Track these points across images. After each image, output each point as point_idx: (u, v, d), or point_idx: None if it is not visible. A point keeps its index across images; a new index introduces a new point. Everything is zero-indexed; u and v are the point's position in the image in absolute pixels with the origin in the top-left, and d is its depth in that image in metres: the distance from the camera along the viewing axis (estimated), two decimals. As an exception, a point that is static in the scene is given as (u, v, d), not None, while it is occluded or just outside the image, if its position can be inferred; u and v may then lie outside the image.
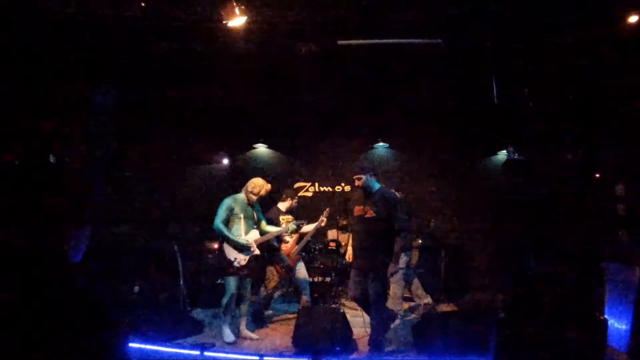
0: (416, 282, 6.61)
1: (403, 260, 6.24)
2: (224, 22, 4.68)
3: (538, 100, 4.64)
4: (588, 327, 3.98)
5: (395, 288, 6.29)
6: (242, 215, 5.52)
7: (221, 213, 5.44)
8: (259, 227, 5.76)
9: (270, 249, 6.13)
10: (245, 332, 5.69)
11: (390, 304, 6.38)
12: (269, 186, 5.73)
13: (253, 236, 5.59)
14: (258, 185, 5.64)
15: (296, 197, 6.66)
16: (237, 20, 4.88)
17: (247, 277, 5.55)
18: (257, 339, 5.63)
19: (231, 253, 5.43)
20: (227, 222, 5.47)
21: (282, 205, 6.49)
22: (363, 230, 5.05)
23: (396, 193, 5.45)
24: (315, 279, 7.51)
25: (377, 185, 5.17)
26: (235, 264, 5.40)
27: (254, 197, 5.63)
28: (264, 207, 6.12)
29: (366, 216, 4.99)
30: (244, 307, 5.66)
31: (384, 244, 4.94)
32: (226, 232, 5.41)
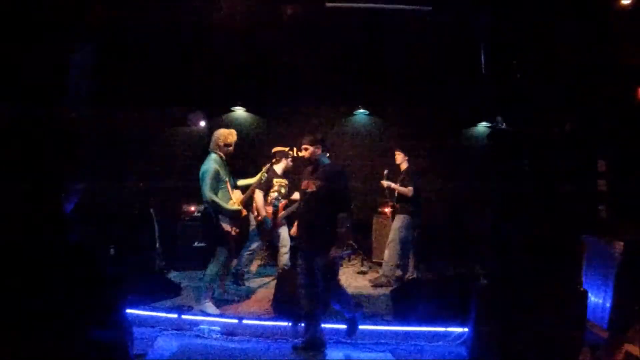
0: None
1: (400, 221, 6.31)
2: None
3: (527, 71, 4.60)
4: (568, 297, 4.06)
5: (389, 253, 6.35)
6: (226, 179, 5.16)
7: (210, 182, 4.95)
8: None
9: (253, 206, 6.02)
10: (229, 291, 5.74)
11: (384, 269, 6.43)
12: (234, 131, 5.28)
13: (237, 195, 5.32)
14: (224, 134, 5.16)
15: (290, 157, 6.44)
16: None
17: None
18: (239, 300, 5.61)
19: (226, 223, 5.10)
20: (216, 191, 5.03)
21: (278, 168, 6.28)
22: (306, 206, 4.58)
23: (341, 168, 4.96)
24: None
25: (325, 161, 4.66)
26: (233, 233, 5.15)
27: (230, 149, 5.19)
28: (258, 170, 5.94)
29: (308, 190, 4.54)
30: (226, 270, 5.58)
31: (326, 223, 4.38)
32: (221, 203, 5.02)
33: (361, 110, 8.79)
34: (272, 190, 6.21)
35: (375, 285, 6.40)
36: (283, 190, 6.26)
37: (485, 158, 5.93)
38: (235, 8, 5.79)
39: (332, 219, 4.36)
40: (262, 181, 5.79)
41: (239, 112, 8.90)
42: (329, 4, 5.46)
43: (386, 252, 6.48)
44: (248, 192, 5.55)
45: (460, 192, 7.47)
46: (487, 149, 5.60)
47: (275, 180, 6.21)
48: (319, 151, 4.55)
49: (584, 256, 4.95)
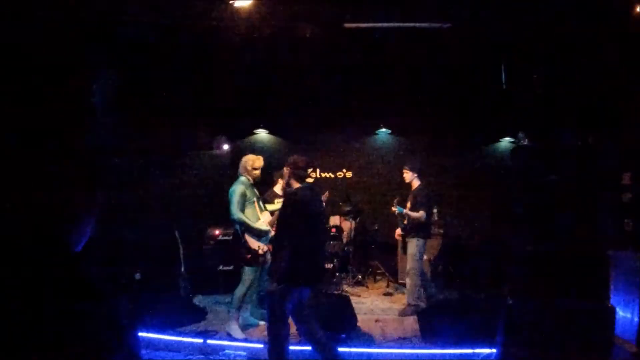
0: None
1: (414, 246, 6.01)
2: (230, 1, 4.52)
3: (547, 86, 4.54)
4: (595, 315, 3.93)
5: (410, 282, 6.08)
6: (254, 199, 5.33)
7: (236, 202, 5.13)
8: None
9: None
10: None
11: (407, 298, 6.20)
12: (261, 157, 5.52)
13: (266, 217, 5.42)
14: (252, 159, 5.41)
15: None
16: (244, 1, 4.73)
17: (265, 264, 5.44)
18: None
19: (254, 242, 5.20)
20: (243, 211, 5.18)
21: (277, 188, 6.35)
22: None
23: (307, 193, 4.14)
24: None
25: (296, 185, 4.13)
26: (260, 251, 5.21)
27: (257, 173, 5.40)
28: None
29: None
30: (253, 293, 5.56)
31: (278, 253, 3.98)
32: (249, 222, 5.15)
33: (383, 130, 8.78)
34: None
35: (404, 315, 5.99)
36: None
37: (509, 175, 5.84)
38: (255, 33, 5.88)
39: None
40: None
41: (262, 134, 9.00)
42: (347, 25, 5.50)
43: (407, 280, 6.16)
44: (275, 214, 5.58)
45: (484, 209, 7.35)
46: (510, 165, 5.51)
47: (276, 200, 6.20)
48: (288, 175, 4.16)
49: (611, 271, 4.79)
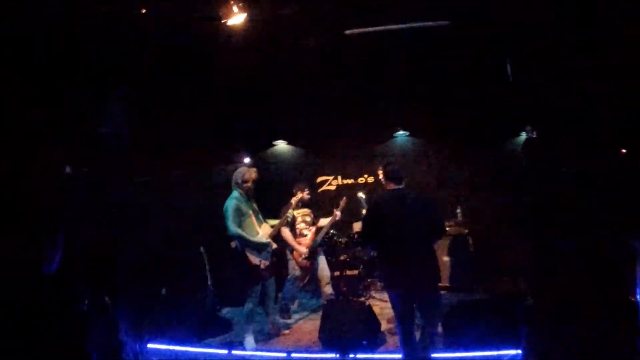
0: None
1: None
2: (223, 21, 4.63)
3: (555, 78, 4.44)
4: (619, 310, 3.80)
5: None
6: (250, 212, 5.33)
7: (232, 217, 5.13)
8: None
9: (285, 241, 6.15)
10: (276, 327, 5.74)
11: None
12: (253, 169, 5.54)
13: (266, 230, 5.45)
14: (242, 172, 5.41)
15: (306, 190, 6.53)
16: (237, 18, 4.83)
17: (272, 276, 5.51)
18: (288, 333, 5.68)
19: (254, 257, 5.23)
20: (240, 225, 5.21)
21: (294, 200, 6.34)
22: None
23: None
24: (343, 273, 7.46)
25: (390, 186, 4.43)
26: (262, 266, 5.26)
27: (249, 185, 5.37)
28: (281, 205, 6.13)
29: None
30: (271, 305, 5.64)
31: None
32: (246, 236, 5.18)
33: (401, 132, 8.74)
34: (297, 222, 6.39)
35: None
36: (308, 219, 6.45)
37: (523, 169, 5.72)
38: (260, 46, 5.96)
39: None
40: (289, 220, 5.97)
41: (281, 145, 9.10)
42: (347, 32, 5.54)
43: None
44: (275, 227, 5.66)
45: (504, 206, 7.16)
46: (522, 158, 5.40)
47: (295, 212, 6.31)
48: None
49: (637, 263, 4.60)
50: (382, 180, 4.52)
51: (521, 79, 5.39)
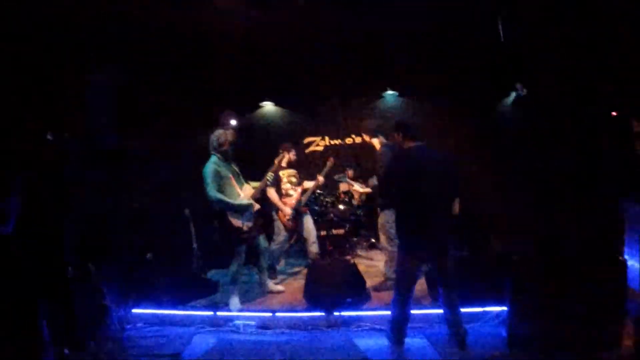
0: None
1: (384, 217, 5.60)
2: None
3: (546, 37, 4.28)
4: (607, 268, 3.79)
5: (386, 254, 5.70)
6: (230, 175, 5.20)
7: (211, 181, 4.99)
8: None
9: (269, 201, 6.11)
10: (272, 285, 5.76)
11: (384, 271, 5.78)
12: (230, 131, 5.34)
13: (248, 192, 5.35)
14: (218, 135, 5.21)
15: (292, 150, 6.45)
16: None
17: (258, 236, 5.46)
18: (283, 291, 5.73)
19: (236, 220, 5.14)
20: (220, 189, 5.07)
21: (276, 160, 6.13)
22: None
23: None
24: (330, 232, 7.43)
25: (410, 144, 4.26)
26: (244, 228, 5.19)
27: (226, 148, 5.21)
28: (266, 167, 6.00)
29: None
30: (264, 261, 5.63)
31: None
32: (226, 199, 5.06)
33: (390, 92, 8.58)
34: (282, 182, 6.34)
35: (379, 290, 5.50)
36: (294, 180, 6.42)
37: (515, 128, 5.61)
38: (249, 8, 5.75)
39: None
40: (269, 181, 5.74)
41: (268, 106, 8.93)
42: None
43: (383, 252, 5.82)
44: (257, 188, 5.53)
45: (497, 166, 7.06)
46: (513, 117, 5.30)
47: (281, 173, 6.29)
48: None
49: (625, 223, 4.57)
50: (398, 138, 4.24)
51: (512, 36, 5.23)
